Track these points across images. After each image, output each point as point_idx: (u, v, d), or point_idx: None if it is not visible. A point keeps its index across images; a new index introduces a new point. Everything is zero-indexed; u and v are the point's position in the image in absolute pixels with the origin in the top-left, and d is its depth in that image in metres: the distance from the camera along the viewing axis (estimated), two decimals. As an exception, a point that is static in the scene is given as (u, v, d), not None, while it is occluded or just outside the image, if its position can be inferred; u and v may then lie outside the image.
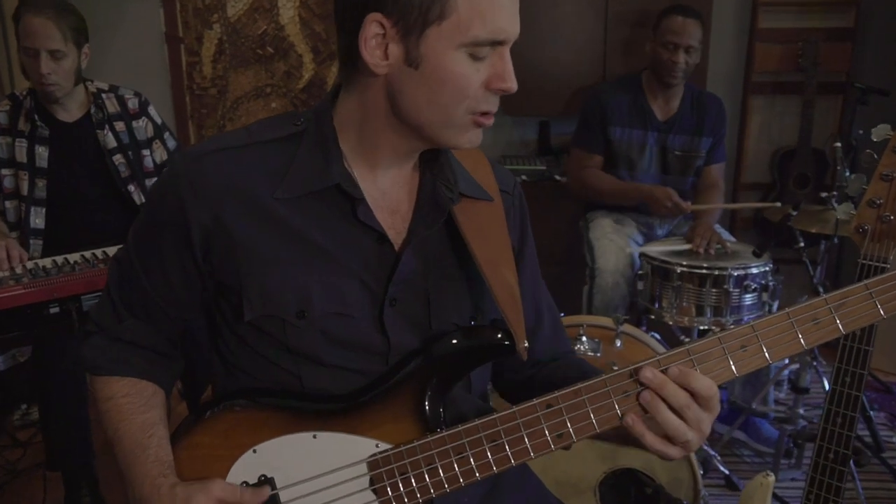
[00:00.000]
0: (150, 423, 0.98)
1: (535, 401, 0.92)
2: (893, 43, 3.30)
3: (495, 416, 0.92)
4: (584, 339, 2.04)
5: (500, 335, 0.97)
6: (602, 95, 2.68)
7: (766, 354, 0.90)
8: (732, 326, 2.24)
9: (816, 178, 3.30)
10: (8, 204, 2.26)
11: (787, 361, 2.68)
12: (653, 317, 2.39)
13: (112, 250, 2.09)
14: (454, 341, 0.97)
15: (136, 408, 0.99)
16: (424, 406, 0.94)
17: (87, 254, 2.06)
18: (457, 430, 0.93)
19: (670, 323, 2.35)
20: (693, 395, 0.88)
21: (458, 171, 1.04)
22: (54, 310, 1.80)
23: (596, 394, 0.91)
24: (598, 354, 2.00)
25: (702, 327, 2.32)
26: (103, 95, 2.33)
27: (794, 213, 2.05)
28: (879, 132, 1.23)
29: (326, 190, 0.95)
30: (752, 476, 2.39)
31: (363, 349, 0.98)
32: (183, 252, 0.96)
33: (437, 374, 0.95)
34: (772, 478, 1.56)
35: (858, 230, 1.23)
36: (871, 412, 2.77)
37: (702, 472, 1.91)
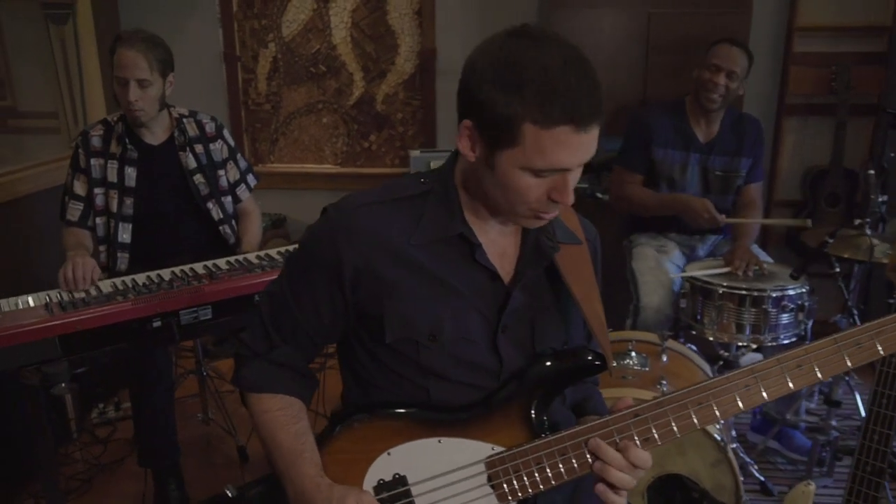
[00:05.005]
0: (302, 432, 1.17)
1: (625, 412, 1.12)
2: (925, 67, 3.43)
3: (592, 423, 1.12)
4: (633, 354, 2.21)
5: (590, 357, 1.17)
6: (647, 117, 2.82)
7: (819, 373, 1.09)
8: (771, 344, 2.40)
9: (847, 197, 3.43)
10: (98, 220, 2.45)
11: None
12: (694, 332, 2.55)
13: (198, 267, 2.27)
14: (558, 362, 1.17)
15: (290, 419, 1.18)
16: (531, 415, 1.14)
17: (178, 270, 2.24)
18: (560, 435, 1.12)
19: (711, 339, 2.51)
20: (632, 463, 1.10)
21: (556, 223, 1.23)
22: (156, 324, 1.98)
23: (679, 403, 1.11)
24: (647, 369, 2.17)
25: (741, 344, 2.48)
26: (184, 120, 2.52)
27: (831, 240, 2.20)
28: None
29: (451, 237, 1.15)
30: (786, 483, 2.56)
31: (481, 368, 1.17)
32: (334, 288, 1.16)
33: (543, 389, 1.15)
34: (812, 486, 1.73)
35: (894, 269, 1.39)
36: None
37: (742, 478, 2.07)
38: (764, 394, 1.10)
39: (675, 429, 1.11)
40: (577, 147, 1.04)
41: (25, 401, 1.95)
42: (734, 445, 2.39)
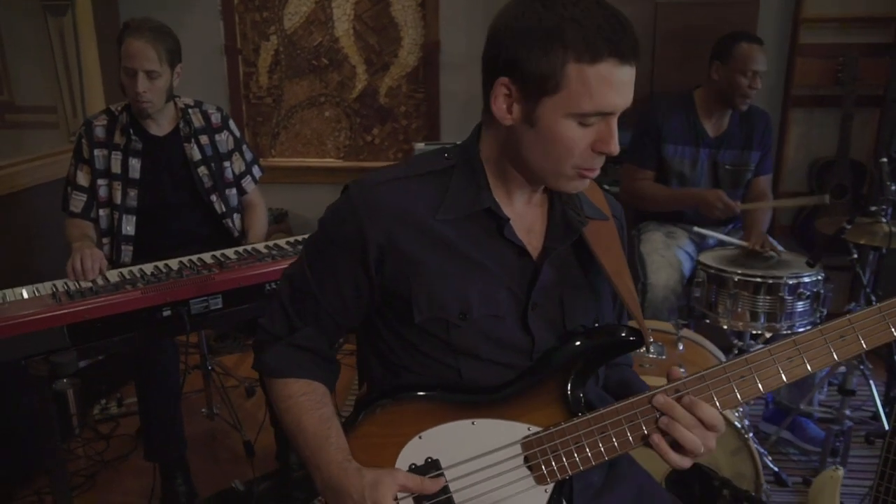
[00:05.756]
0: (327, 417, 1.13)
1: (665, 387, 1.08)
2: (931, 58, 3.41)
3: (631, 399, 1.08)
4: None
5: (625, 333, 1.14)
6: (656, 114, 2.79)
7: (863, 343, 1.06)
8: (786, 332, 2.38)
9: (853, 188, 3.42)
10: (101, 212, 2.40)
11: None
12: (708, 321, 2.53)
13: (206, 257, 2.23)
14: (592, 340, 1.13)
15: (314, 404, 1.14)
16: (567, 393, 1.10)
17: (186, 260, 2.20)
18: (600, 412, 1.08)
19: (725, 327, 2.48)
20: (700, 420, 1.06)
21: (583, 198, 1.20)
22: (166, 313, 1.94)
23: (721, 378, 1.09)
24: (664, 357, 2.14)
25: (755, 332, 2.45)
26: (190, 111, 2.47)
27: (848, 226, 2.18)
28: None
29: (478, 212, 1.12)
30: (799, 474, 2.53)
31: (512, 346, 1.13)
32: (357, 268, 1.12)
33: (578, 366, 1.11)
34: (841, 471, 1.70)
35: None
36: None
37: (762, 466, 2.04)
38: (808, 365, 1.07)
39: (717, 404, 1.08)
40: (622, 84, 1.02)
41: (32, 392, 1.89)
42: (749, 434, 2.37)
